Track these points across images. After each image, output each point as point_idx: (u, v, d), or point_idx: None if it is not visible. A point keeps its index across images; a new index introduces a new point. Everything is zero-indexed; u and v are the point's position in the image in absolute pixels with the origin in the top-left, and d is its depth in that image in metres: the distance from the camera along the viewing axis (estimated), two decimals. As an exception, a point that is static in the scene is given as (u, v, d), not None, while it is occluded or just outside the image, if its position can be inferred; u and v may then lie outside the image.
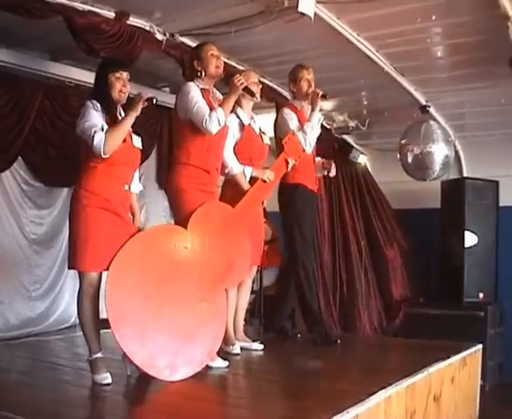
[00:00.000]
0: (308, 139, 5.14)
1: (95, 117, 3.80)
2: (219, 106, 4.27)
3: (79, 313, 3.87)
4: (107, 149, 3.72)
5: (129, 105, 3.87)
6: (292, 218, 5.34)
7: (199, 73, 4.39)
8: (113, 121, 3.86)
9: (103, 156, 3.73)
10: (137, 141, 4.05)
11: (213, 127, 4.20)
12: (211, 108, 4.27)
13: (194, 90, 4.29)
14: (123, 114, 3.97)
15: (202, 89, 4.34)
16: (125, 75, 3.95)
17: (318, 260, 7.72)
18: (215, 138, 4.29)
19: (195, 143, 4.29)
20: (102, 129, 3.73)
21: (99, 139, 3.70)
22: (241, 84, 4.30)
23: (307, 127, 5.15)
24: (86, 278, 3.79)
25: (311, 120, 5.18)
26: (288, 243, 5.43)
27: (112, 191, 3.85)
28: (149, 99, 3.86)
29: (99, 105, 3.86)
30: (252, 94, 4.68)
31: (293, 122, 5.21)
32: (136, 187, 4.25)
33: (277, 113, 5.54)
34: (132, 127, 3.95)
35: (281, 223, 5.47)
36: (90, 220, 3.75)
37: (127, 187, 4.00)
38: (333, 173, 5.62)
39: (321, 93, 5.17)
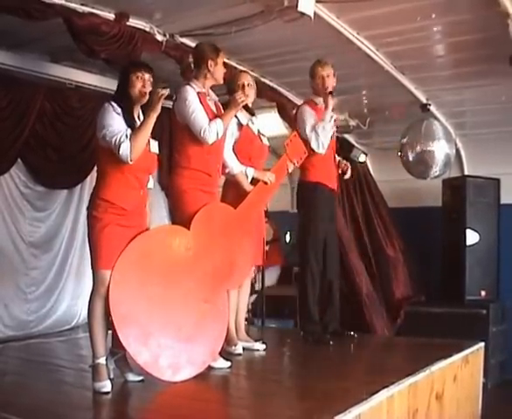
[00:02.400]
0: (321, 139, 5.16)
1: (118, 122, 3.76)
2: (218, 117, 4.29)
3: (88, 313, 3.84)
4: (134, 156, 3.69)
5: (148, 104, 3.83)
6: (307, 218, 5.32)
7: (207, 72, 4.35)
8: (131, 122, 3.82)
9: (130, 163, 3.69)
10: (154, 146, 4.00)
11: (211, 138, 4.21)
12: (209, 112, 4.29)
13: (191, 95, 4.28)
14: (141, 117, 3.92)
15: (198, 93, 4.33)
16: (147, 77, 3.88)
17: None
18: (216, 141, 4.30)
19: (194, 147, 4.29)
20: (127, 136, 3.69)
21: (125, 147, 3.66)
22: (242, 101, 4.34)
23: (319, 127, 5.16)
24: (98, 276, 3.77)
25: (324, 119, 5.19)
26: (300, 242, 5.42)
27: (128, 199, 3.82)
28: (169, 96, 3.84)
29: (119, 108, 3.82)
30: (251, 113, 4.72)
31: (310, 120, 5.22)
32: (150, 183, 4.18)
33: (297, 109, 5.53)
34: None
35: (298, 222, 5.45)
36: (105, 223, 3.74)
37: (142, 192, 3.97)
38: (348, 174, 5.59)
39: (328, 90, 5.19)
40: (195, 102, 4.26)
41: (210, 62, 4.37)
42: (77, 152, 6.53)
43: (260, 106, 5.30)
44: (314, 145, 5.16)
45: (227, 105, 4.47)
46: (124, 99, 3.86)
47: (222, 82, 4.49)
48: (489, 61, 5.80)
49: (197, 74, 4.41)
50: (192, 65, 4.49)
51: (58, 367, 4.78)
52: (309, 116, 5.25)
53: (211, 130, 4.19)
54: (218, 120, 4.24)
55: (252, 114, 4.76)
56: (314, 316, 5.35)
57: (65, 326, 6.83)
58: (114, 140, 3.68)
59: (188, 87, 4.34)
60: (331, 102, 5.19)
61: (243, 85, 4.83)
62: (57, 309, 6.83)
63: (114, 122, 3.75)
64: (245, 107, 4.57)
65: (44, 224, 6.76)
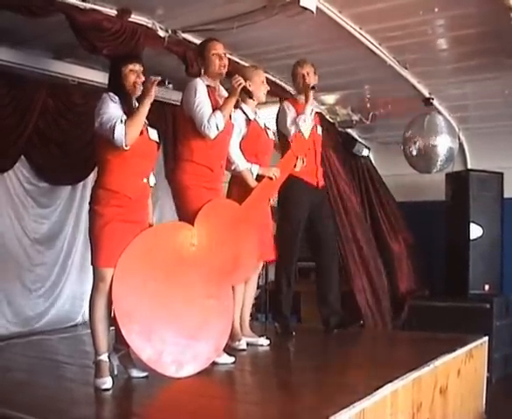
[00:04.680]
0: (302, 131, 5.21)
1: (114, 109, 3.78)
2: (219, 109, 4.27)
3: (90, 310, 3.84)
4: (129, 140, 3.69)
5: (142, 91, 3.86)
6: (282, 211, 5.38)
7: (202, 71, 4.41)
8: (129, 112, 3.82)
9: (125, 148, 3.70)
10: (153, 134, 4.02)
11: (211, 133, 4.21)
12: (216, 107, 4.28)
13: (200, 87, 4.29)
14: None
15: (208, 86, 4.35)
16: (138, 68, 3.92)
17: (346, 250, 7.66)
18: (219, 136, 4.28)
19: (198, 140, 4.29)
20: (121, 121, 3.70)
21: (120, 130, 3.67)
22: (239, 85, 4.30)
23: (300, 119, 5.23)
24: (98, 273, 3.77)
25: (304, 112, 5.26)
26: (277, 236, 5.43)
27: (131, 187, 3.83)
28: (161, 82, 3.85)
29: (116, 97, 3.84)
30: (249, 95, 4.67)
31: (290, 114, 5.34)
32: (152, 180, 4.18)
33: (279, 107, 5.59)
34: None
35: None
36: (106, 220, 3.74)
37: (145, 180, 3.97)
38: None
39: (311, 85, 5.29)
40: (202, 95, 4.27)
41: (199, 60, 4.48)
42: (80, 148, 6.52)
43: (263, 100, 5.30)
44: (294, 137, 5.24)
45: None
46: (119, 92, 3.88)
47: (218, 73, 4.44)
48: (492, 55, 5.78)
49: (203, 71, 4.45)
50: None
51: (61, 363, 4.81)
52: (289, 111, 5.36)
53: (210, 125, 4.19)
54: (218, 113, 4.22)
55: (251, 97, 4.73)
56: (285, 310, 5.56)
57: (70, 322, 6.83)
58: (108, 125, 3.70)
59: (198, 80, 4.37)
60: (312, 96, 5.29)
61: (262, 82, 4.91)
62: (61, 305, 6.83)
63: (110, 110, 3.77)
64: (246, 90, 4.51)
65: (48, 221, 6.76)
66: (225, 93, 4.56)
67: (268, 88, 5.03)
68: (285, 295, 5.53)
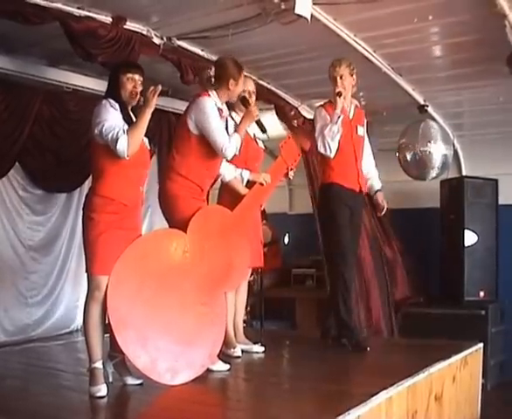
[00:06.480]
0: (327, 141, 5.04)
1: (115, 117, 3.75)
2: (236, 132, 4.34)
3: (84, 317, 3.83)
4: (130, 151, 3.68)
5: (139, 103, 3.84)
6: (325, 220, 5.27)
7: (227, 90, 4.39)
8: (127, 120, 3.81)
9: (126, 158, 3.68)
10: (146, 142, 4.00)
11: (230, 154, 4.26)
12: (226, 126, 4.34)
13: (213, 110, 4.27)
14: (133, 117, 3.90)
15: (218, 108, 4.34)
16: (137, 77, 3.89)
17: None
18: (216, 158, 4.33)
19: (197, 159, 4.28)
20: (124, 131, 3.67)
21: (123, 141, 3.63)
22: (257, 115, 4.42)
23: (326, 128, 5.05)
24: (93, 281, 3.76)
25: (331, 120, 5.06)
26: (323, 246, 5.33)
27: (128, 194, 3.82)
28: (163, 92, 3.82)
29: (117, 104, 3.82)
30: (263, 130, 4.65)
31: (319, 122, 5.14)
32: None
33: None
34: None
35: (319, 225, 5.40)
36: (101, 228, 3.72)
37: (141, 188, 3.96)
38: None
39: (336, 91, 5.05)
40: (217, 118, 4.26)
41: (231, 81, 4.38)
42: (75, 155, 6.52)
43: (258, 107, 5.30)
44: (320, 148, 5.09)
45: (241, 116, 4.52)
46: (115, 99, 3.85)
47: (236, 99, 4.54)
48: (487, 62, 5.81)
49: (218, 88, 4.40)
50: (213, 79, 4.47)
51: (57, 371, 4.79)
52: (320, 119, 5.15)
53: (231, 146, 4.22)
54: (236, 136, 4.30)
55: (264, 131, 4.66)
56: (350, 322, 5.15)
57: (65, 329, 6.83)
58: (111, 135, 3.66)
59: (209, 100, 4.31)
60: (340, 103, 5.02)
61: (249, 92, 4.86)
62: (56, 312, 6.82)
63: (111, 117, 3.74)
64: (258, 123, 4.58)
65: (43, 228, 6.75)
66: (227, 112, 4.56)
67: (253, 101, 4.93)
68: (344, 308, 5.08)
